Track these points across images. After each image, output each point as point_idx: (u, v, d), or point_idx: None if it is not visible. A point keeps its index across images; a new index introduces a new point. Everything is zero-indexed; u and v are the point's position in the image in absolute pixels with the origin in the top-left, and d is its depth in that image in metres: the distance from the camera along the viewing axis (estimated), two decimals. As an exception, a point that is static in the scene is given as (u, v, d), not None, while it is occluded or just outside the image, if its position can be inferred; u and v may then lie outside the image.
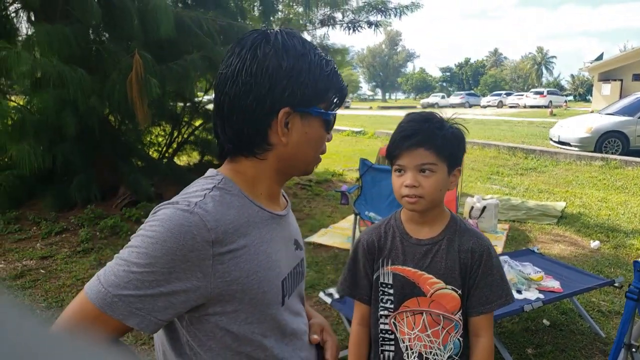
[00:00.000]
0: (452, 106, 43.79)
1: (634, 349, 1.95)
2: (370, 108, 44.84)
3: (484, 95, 50.06)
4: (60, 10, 4.63)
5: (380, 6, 6.99)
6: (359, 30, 7.18)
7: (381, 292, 1.32)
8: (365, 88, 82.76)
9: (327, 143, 0.98)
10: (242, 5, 6.49)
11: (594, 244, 5.00)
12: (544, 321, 3.38)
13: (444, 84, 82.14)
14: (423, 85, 76.46)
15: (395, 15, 7.07)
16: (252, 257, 0.85)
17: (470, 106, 43.31)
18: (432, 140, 1.20)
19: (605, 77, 30.05)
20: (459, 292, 1.26)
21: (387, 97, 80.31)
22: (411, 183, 1.20)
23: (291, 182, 7.36)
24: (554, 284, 3.09)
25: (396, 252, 1.31)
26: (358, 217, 4.56)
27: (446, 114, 1.36)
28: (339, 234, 5.14)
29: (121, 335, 0.82)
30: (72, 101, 4.22)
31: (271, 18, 6.97)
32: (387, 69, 78.94)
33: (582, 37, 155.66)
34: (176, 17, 4.53)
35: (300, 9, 7.20)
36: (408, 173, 1.22)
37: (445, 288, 1.26)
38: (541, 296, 2.91)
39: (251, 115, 0.87)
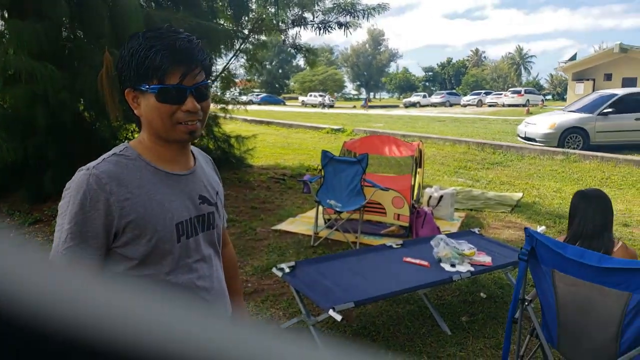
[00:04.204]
0: (434, 105, 44.39)
1: (526, 303, 2.28)
2: (354, 107, 45.24)
3: (465, 95, 50.74)
4: (32, 7, 4.83)
5: (348, 7, 7.30)
6: (329, 31, 7.48)
7: None
8: (350, 87, 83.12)
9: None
10: (214, 6, 6.74)
11: (541, 228, 5.33)
12: (481, 294, 3.73)
13: (427, 83, 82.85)
14: (406, 85, 77.04)
15: (363, 17, 7.39)
16: (144, 204, 1.15)
17: (451, 105, 43.89)
18: None
19: (579, 77, 30.80)
20: None
21: (371, 96, 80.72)
22: None
23: (265, 177, 7.65)
24: (485, 258, 3.44)
25: None
26: (320, 205, 4.87)
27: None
28: (306, 222, 5.44)
29: None
30: (43, 96, 4.44)
31: (244, 18, 7.24)
32: (371, 69, 79.29)
33: (562, 38, 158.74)
34: (146, 17, 4.77)
35: (273, 10, 7.48)
36: None
37: None
38: (472, 269, 3.26)
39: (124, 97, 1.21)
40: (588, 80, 29.46)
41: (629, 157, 9.59)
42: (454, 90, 58.59)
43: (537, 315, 2.34)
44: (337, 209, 4.76)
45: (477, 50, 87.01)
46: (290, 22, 7.37)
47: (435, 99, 47.31)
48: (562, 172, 8.82)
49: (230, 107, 7.75)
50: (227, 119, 7.87)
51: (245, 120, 17.84)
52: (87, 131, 5.80)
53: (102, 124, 6.10)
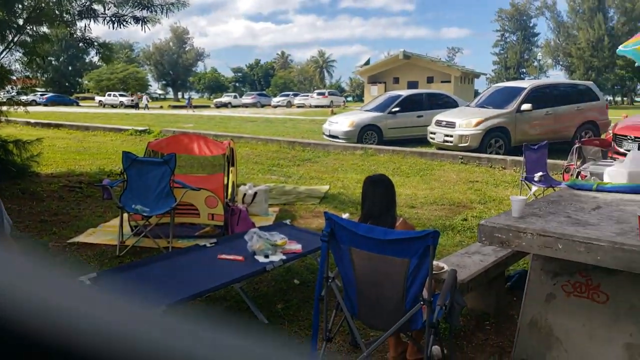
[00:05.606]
0: (245, 106, 45.08)
1: (330, 280, 2.46)
2: (161, 107, 43.15)
3: (274, 96, 52.69)
4: None
5: (145, 2, 6.88)
6: (124, 25, 6.94)
7: None
8: (155, 87, 78.90)
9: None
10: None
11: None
12: (295, 281, 3.90)
13: (237, 84, 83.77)
14: (216, 85, 76.47)
15: (162, 12, 7.05)
16: None
17: (262, 106, 45.15)
18: None
19: (374, 80, 34.83)
20: None
21: (179, 96, 78.03)
22: None
23: (57, 186, 6.75)
24: (296, 246, 3.61)
25: None
26: (124, 211, 4.50)
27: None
28: (109, 232, 4.96)
29: None
30: None
31: (17, 6, 6.24)
32: (177, 68, 76.44)
33: (358, 44, 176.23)
34: None
35: (55, -2, 6.63)
36: None
37: None
38: (284, 257, 3.39)
39: None
40: (381, 83, 33.51)
41: (413, 149, 11.15)
42: (264, 92, 60.36)
43: (341, 292, 2.54)
44: (145, 214, 4.46)
45: (283, 52, 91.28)
46: (76, 13, 6.61)
47: (246, 99, 48.12)
48: (361, 164, 9.79)
49: (5, 108, 6.61)
50: (3, 122, 6.71)
51: (28, 123, 15.64)
52: None
53: None
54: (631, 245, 2.06)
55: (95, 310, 0.28)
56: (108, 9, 6.70)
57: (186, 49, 79.26)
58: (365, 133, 12.71)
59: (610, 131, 9.55)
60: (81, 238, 4.76)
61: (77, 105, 43.63)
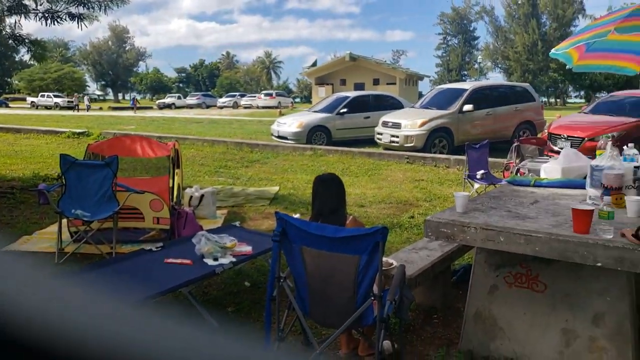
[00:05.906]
0: (190, 107, 44.10)
1: (282, 280, 2.45)
2: (101, 109, 41.43)
3: (220, 96, 51.84)
4: None
5: (82, -3, 6.57)
6: (59, 22, 6.60)
7: None
8: (93, 87, 75.47)
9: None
10: None
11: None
12: (246, 283, 3.85)
13: (181, 84, 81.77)
14: (159, 86, 74.07)
15: (100, 9, 6.76)
16: None
17: (208, 107, 44.33)
18: None
19: (321, 81, 35.06)
20: None
21: (120, 97, 75.06)
22: None
23: (-14, 192, 6.32)
24: (246, 248, 3.56)
25: None
26: (63, 217, 4.28)
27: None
28: (47, 239, 4.70)
29: None
30: None
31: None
32: (117, 68, 73.46)
33: (304, 46, 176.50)
34: None
35: (-19, -9, 6.20)
36: None
37: None
38: (234, 260, 3.33)
39: None
40: (328, 84, 33.76)
41: (362, 150, 11.30)
42: (209, 92, 59.24)
43: (292, 291, 2.52)
44: (86, 219, 4.26)
45: (228, 53, 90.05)
46: (5, 8, 6.21)
47: (190, 100, 47.13)
48: (311, 165, 9.81)
49: None
50: None
51: (-49, 126, 14.62)
52: None
53: None
54: (565, 235, 2.19)
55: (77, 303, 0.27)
56: (40, 5, 6.34)
57: (126, 49, 76.43)
58: (314, 134, 12.76)
59: (546, 130, 10.14)
60: (14, 247, 4.48)
61: (7, 106, 41.19)
